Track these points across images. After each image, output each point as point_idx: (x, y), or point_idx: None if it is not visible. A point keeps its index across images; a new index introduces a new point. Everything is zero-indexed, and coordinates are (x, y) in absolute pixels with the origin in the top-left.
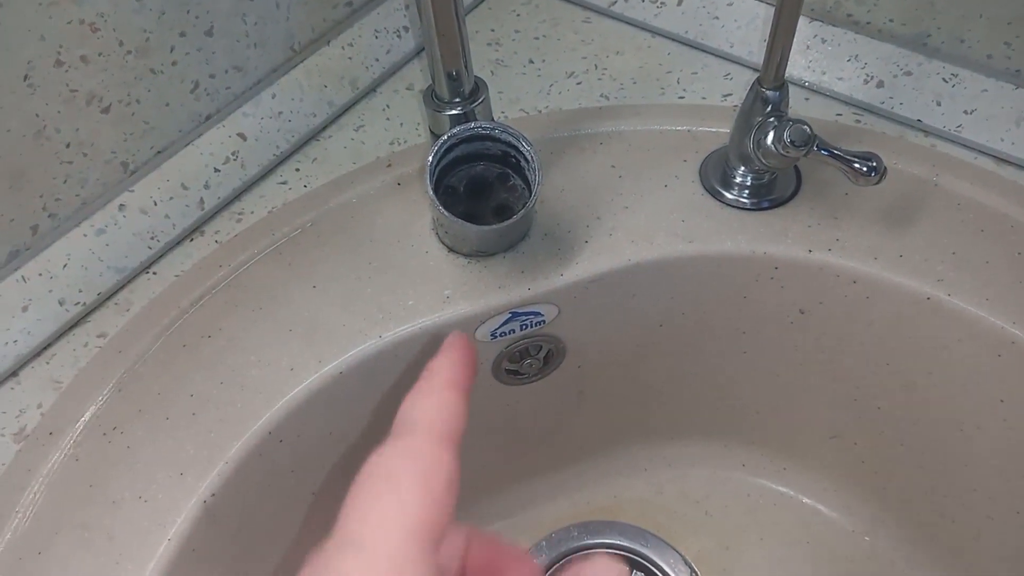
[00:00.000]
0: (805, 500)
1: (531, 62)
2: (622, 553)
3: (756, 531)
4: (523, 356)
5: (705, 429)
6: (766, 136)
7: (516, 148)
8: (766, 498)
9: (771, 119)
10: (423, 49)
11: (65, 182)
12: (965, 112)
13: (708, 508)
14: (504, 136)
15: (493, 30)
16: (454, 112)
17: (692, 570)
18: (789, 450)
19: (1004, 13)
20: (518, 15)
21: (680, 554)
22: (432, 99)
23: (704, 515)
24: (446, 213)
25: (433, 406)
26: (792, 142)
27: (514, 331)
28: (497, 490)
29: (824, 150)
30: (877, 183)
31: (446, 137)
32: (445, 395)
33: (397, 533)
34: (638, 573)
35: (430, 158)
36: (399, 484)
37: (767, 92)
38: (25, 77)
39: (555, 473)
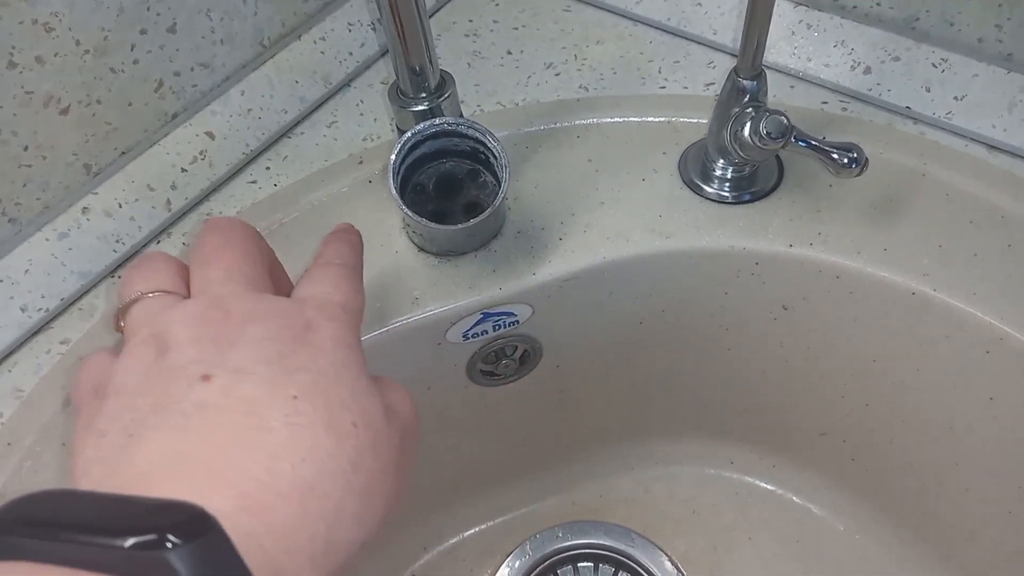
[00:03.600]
0: (795, 499)
1: (509, 53)
2: (608, 554)
3: (745, 530)
4: (498, 357)
5: (693, 426)
6: (743, 128)
7: (484, 144)
8: (755, 496)
9: (748, 110)
10: None
11: (25, 186)
12: (955, 98)
13: (696, 507)
14: (471, 132)
15: (471, 20)
16: (419, 108)
17: (679, 571)
18: (779, 447)
19: None
20: (497, 4)
21: (667, 555)
22: (397, 95)
23: (692, 514)
24: (410, 213)
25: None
26: (768, 134)
27: (487, 332)
28: (479, 492)
29: (802, 141)
30: (858, 175)
31: (409, 135)
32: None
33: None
34: (624, 574)
35: (393, 156)
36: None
37: (744, 82)
38: None
39: (539, 473)
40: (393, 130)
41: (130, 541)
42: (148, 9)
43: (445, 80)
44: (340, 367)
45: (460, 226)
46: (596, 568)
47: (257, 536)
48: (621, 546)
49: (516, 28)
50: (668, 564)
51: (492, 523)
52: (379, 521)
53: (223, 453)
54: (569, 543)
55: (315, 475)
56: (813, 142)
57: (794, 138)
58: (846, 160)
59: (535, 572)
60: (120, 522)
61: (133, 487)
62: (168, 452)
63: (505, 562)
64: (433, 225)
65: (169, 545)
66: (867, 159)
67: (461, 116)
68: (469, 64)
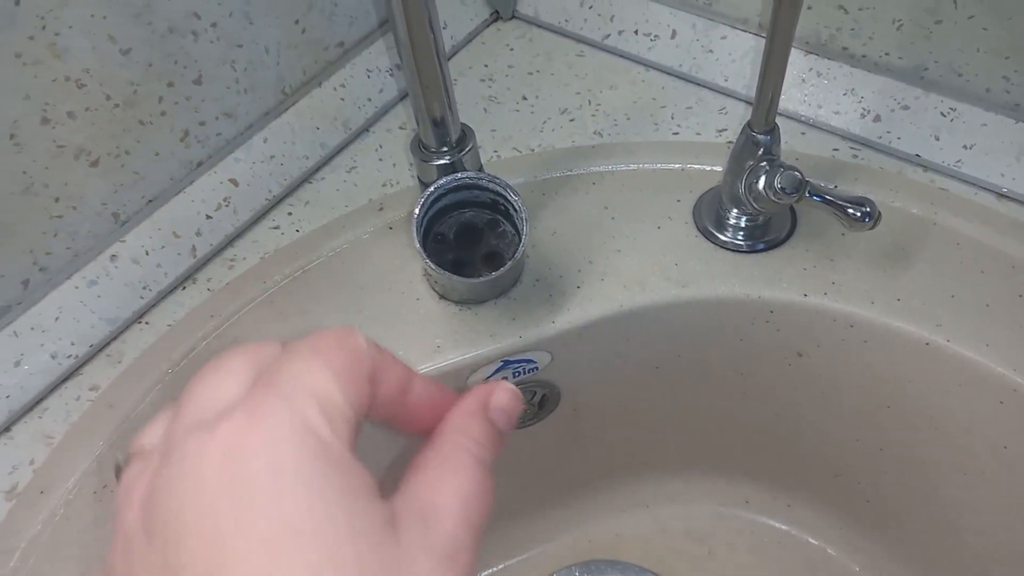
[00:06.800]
0: (810, 539)
1: (524, 98)
2: None
3: (760, 570)
4: None
5: (708, 465)
6: (757, 181)
7: (504, 197)
8: (770, 536)
9: (763, 163)
10: None
11: (55, 236)
12: (964, 147)
13: (712, 546)
14: (492, 185)
15: (486, 66)
16: (442, 162)
17: None
18: (794, 487)
19: (1002, 47)
20: (511, 50)
21: None
22: (419, 148)
23: (707, 553)
24: (433, 267)
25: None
26: (783, 188)
27: (507, 379)
28: (495, 529)
29: (816, 196)
30: (871, 229)
31: (432, 189)
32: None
33: (326, 393)
34: None
35: (417, 210)
36: (328, 356)
37: (758, 136)
38: (11, 136)
39: (555, 511)
40: (412, 176)
41: None
42: (175, 62)
43: (466, 134)
44: None
45: (482, 279)
46: None
47: None
48: None
49: (531, 73)
50: None
51: (508, 562)
52: None
53: None
54: None
55: None
56: (827, 197)
57: (808, 192)
58: (859, 215)
59: None
60: None
61: None
62: None
63: None
64: (456, 278)
65: None
66: (880, 213)
67: (481, 168)
68: (485, 109)
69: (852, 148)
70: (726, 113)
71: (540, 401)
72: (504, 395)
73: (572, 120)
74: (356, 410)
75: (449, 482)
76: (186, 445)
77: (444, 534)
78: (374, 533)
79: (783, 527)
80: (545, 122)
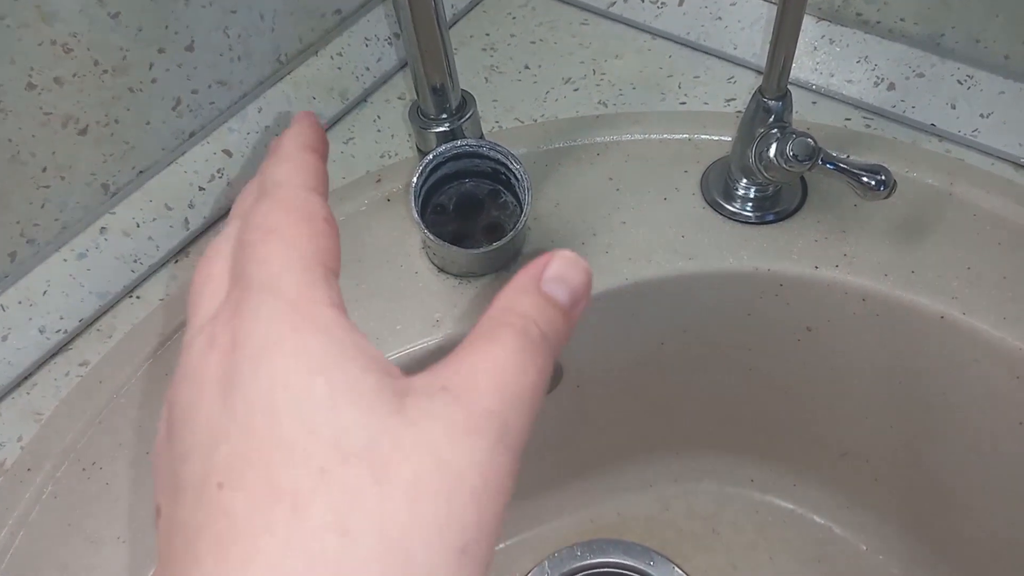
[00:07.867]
0: (816, 518)
1: (527, 68)
2: (627, 573)
3: (766, 549)
4: None
5: (713, 444)
6: (768, 149)
7: (506, 166)
8: (775, 515)
9: (774, 130)
10: None
11: (43, 206)
12: (981, 116)
13: (716, 525)
14: (492, 153)
15: (488, 34)
16: (441, 129)
17: None
18: (799, 466)
19: (1022, 12)
20: (514, 18)
21: (686, 573)
22: (417, 115)
23: (712, 532)
24: (432, 237)
25: (293, 167)
26: (795, 156)
27: None
28: None
29: (829, 163)
30: (886, 197)
31: (431, 156)
32: (303, 156)
33: (295, 270)
34: None
35: (415, 179)
36: (281, 230)
37: (769, 102)
38: None
39: (558, 490)
40: (411, 147)
41: None
42: (166, 27)
43: (466, 100)
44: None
45: (482, 250)
46: None
47: None
48: (640, 564)
49: (534, 42)
50: None
51: (510, 541)
52: None
53: None
54: (588, 561)
55: None
56: (841, 164)
57: (821, 160)
58: (874, 183)
59: None
60: None
61: None
62: None
63: None
64: (456, 249)
65: None
66: (895, 182)
67: (482, 136)
68: (487, 79)
69: (865, 118)
70: (735, 82)
71: None
72: (560, 263)
73: (576, 90)
74: (326, 262)
75: (481, 353)
76: (190, 360)
77: (468, 406)
78: (364, 398)
79: (788, 506)
80: (548, 92)
